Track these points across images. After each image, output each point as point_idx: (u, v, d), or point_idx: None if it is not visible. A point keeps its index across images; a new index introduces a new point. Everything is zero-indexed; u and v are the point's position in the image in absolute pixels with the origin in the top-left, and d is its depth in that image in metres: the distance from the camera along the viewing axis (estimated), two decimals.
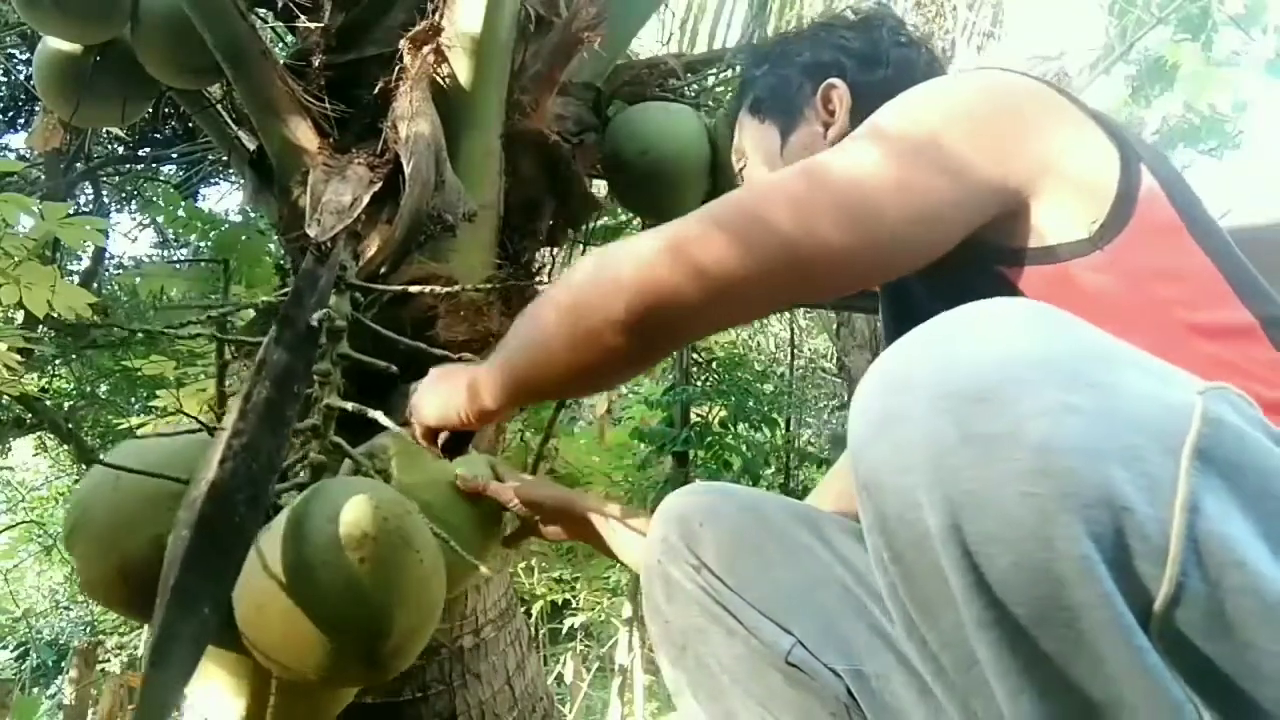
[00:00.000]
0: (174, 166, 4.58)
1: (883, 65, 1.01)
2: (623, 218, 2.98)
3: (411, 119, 1.23)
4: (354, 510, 0.89)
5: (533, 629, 4.68)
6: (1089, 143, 0.78)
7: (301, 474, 1.04)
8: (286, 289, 1.11)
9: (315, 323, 1.01)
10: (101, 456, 1.04)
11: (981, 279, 0.78)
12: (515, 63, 1.51)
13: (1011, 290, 0.78)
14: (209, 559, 0.84)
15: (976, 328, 0.58)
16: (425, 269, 1.25)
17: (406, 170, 1.20)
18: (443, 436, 1.02)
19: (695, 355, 4.28)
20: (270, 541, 0.91)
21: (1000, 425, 0.52)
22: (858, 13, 1.09)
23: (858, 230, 0.75)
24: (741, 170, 1.10)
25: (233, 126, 1.78)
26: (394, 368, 1.09)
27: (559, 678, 4.82)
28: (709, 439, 3.89)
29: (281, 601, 0.87)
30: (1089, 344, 0.57)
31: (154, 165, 4.51)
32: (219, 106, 1.80)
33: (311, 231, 1.16)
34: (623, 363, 0.85)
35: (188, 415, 1.06)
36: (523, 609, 2.38)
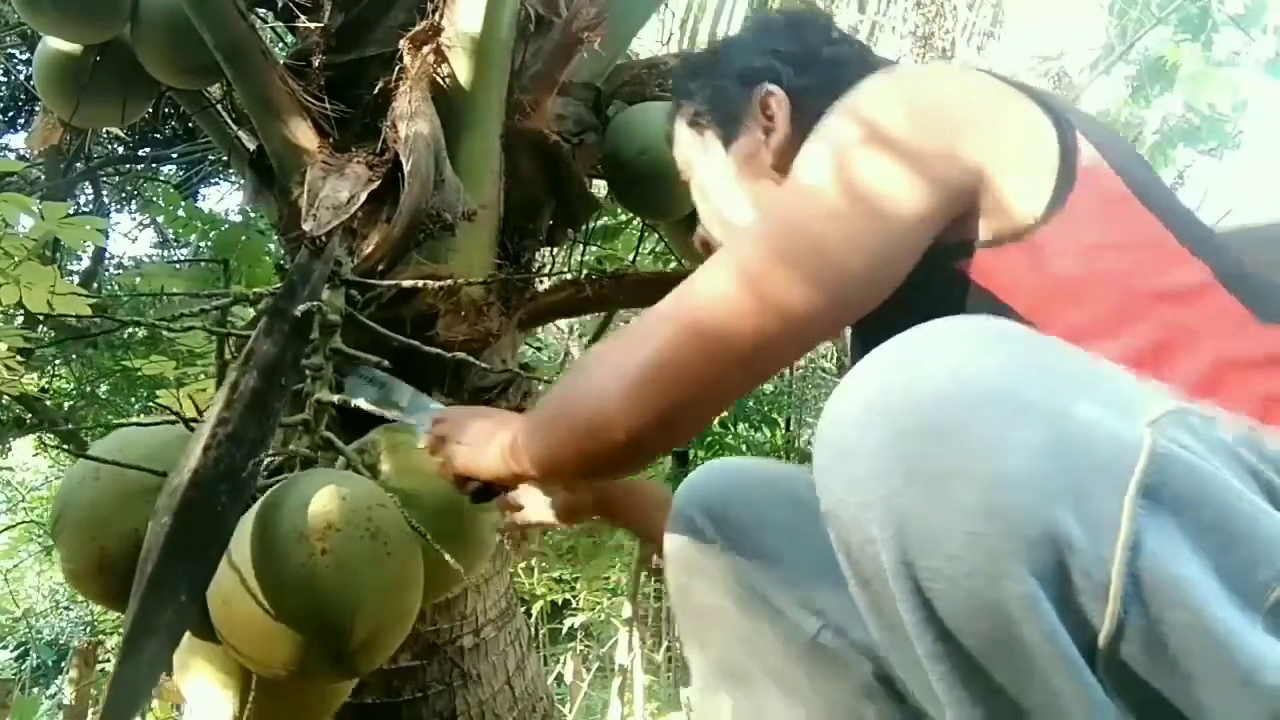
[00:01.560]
0: (174, 166, 4.57)
1: (817, 66, 0.99)
2: (623, 218, 2.98)
3: (411, 118, 1.23)
4: (319, 500, 0.88)
5: (533, 629, 4.67)
6: (1027, 123, 0.78)
7: (295, 468, 1.04)
8: (272, 289, 1.11)
9: (302, 314, 1.00)
10: (92, 451, 1.04)
11: (937, 276, 0.78)
12: (515, 63, 1.51)
13: (966, 284, 0.77)
14: (188, 547, 0.83)
15: (928, 355, 0.57)
16: (424, 269, 1.25)
17: (405, 169, 1.20)
18: (474, 484, 0.98)
19: None
20: (240, 533, 0.90)
21: (947, 463, 0.53)
22: (786, 15, 1.08)
23: (831, 287, 0.74)
24: (690, 182, 1.08)
25: (233, 126, 1.78)
26: (385, 363, 1.08)
27: (559, 678, 4.82)
28: (709, 439, 3.89)
29: (248, 594, 0.86)
30: (1040, 369, 0.57)
31: (154, 165, 4.50)
32: (219, 106, 1.79)
33: (306, 226, 1.16)
34: (637, 466, 0.86)
35: (164, 407, 1.05)
36: (523, 609, 2.38)
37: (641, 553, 4.31)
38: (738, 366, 0.76)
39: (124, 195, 4.71)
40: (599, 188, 1.98)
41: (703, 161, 1.05)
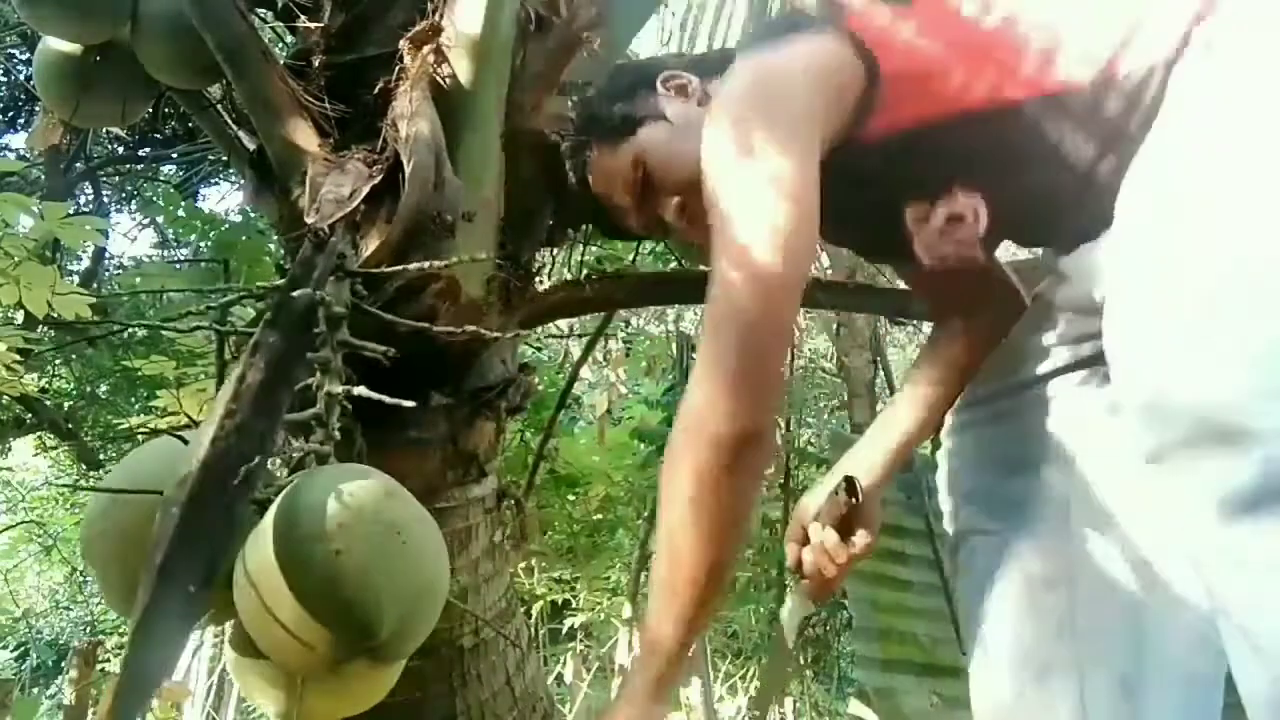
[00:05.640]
0: (174, 166, 4.57)
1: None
2: None
3: (411, 119, 1.23)
4: (329, 499, 0.90)
5: (533, 629, 4.67)
6: None
7: (310, 464, 1.03)
8: (275, 284, 1.11)
9: (307, 306, 1.00)
10: (102, 458, 1.05)
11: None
12: (515, 63, 1.51)
13: None
14: (198, 538, 0.85)
15: None
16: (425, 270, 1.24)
17: (406, 170, 1.20)
18: None
19: (695, 356, 4.27)
20: (258, 542, 0.91)
21: None
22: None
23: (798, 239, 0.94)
24: (642, 177, 1.19)
25: (233, 126, 1.76)
26: (392, 350, 1.07)
27: (559, 678, 4.82)
28: None
29: (275, 600, 0.87)
30: None
31: (154, 165, 4.51)
32: (219, 107, 1.78)
33: (310, 219, 1.16)
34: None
35: (188, 417, 1.06)
36: (522, 609, 2.38)
37: (641, 552, 4.31)
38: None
39: (124, 195, 4.72)
40: None
41: (651, 154, 1.22)
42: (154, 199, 4.40)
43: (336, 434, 1.04)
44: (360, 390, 1.00)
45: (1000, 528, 1.14)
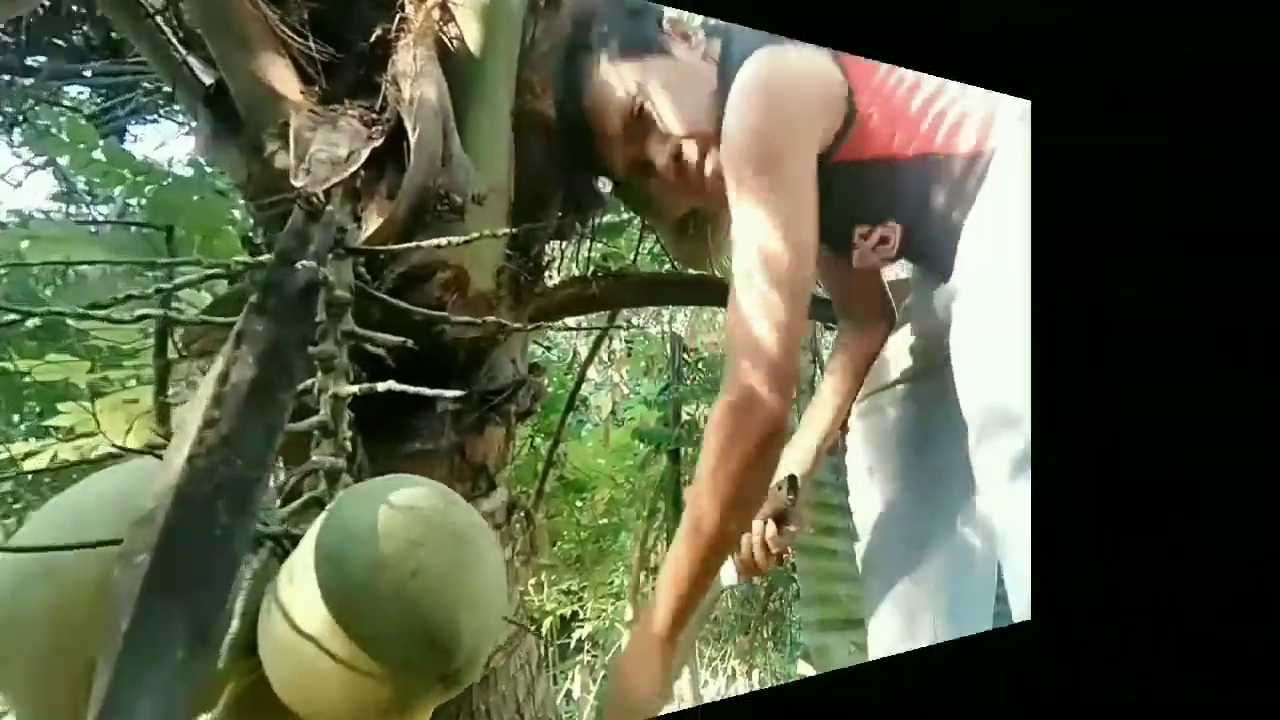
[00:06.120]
0: (87, 89, 3.14)
1: None
2: (624, 215, 2.90)
3: (415, 79, 1.06)
4: (392, 518, 0.75)
5: (542, 648, 4.56)
6: None
7: (319, 484, 0.85)
8: (258, 259, 0.88)
9: (305, 287, 0.78)
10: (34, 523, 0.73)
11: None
12: (525, 38, 1.39)
13: None
14: (180, 587, 0.61)
15: None
16: (431, 255, 1.10)
17: (412, 139, 1.04)
18: None
19: (686, 355, 4.32)
20: (296, 581, 0.75)
21: None
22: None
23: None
24: (639, 110, 1.25)
25: (180, 49, 1.33)
26: (410, 342, 0.89)
27: (568, 695, 4.72)
28: (700, 437, 3.87)
29: (335, 648, 0.71)
30: None
31: (53, 84, 3.03)
32: (160, 19, 1.32)
33: (299, 182, 0.95)
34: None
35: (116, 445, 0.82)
36: (533, 628, 2.26)
37: (642, 552, 4.24)
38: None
39: (1, 121, 3.07)
40: (603, 183, 1.89)
41: (662, 84, 1.32)
42: (53, 130, 2.81)
43: (348, 444, 0.86)
44: (388, 385, 0.81)
45: (889, 496, 1.46)
